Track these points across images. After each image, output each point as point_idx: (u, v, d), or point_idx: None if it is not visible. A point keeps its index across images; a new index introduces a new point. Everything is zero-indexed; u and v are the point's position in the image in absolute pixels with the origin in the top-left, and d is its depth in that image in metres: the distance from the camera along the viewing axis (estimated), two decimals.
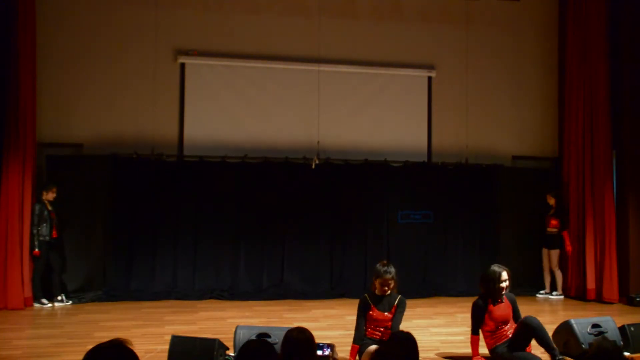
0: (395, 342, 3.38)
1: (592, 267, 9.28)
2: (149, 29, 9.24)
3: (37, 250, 8.18)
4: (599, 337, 4.02)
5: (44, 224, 8.27)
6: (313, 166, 9.09)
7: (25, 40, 8.23)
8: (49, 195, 8.39)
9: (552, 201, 9.74)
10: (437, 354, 6.01)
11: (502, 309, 5.58)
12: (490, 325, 5.57)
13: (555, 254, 9.64)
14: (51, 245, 8.36)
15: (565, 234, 9.60)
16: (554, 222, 9.66)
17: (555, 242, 9.63)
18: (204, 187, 9.23)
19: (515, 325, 5.58)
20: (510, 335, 5.52)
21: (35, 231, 8.20)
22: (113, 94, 9.21)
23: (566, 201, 9.71)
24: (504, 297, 5.61)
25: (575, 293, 9.47)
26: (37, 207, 8.26)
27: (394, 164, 9.80)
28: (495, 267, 5.61)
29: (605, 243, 9.19)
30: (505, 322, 5.60)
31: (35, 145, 8.44)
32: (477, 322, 5.58)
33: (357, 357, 5.40)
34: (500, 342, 5.53)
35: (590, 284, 9.26)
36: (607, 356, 3.77)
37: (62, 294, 8.46)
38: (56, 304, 8.35)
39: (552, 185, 10.04)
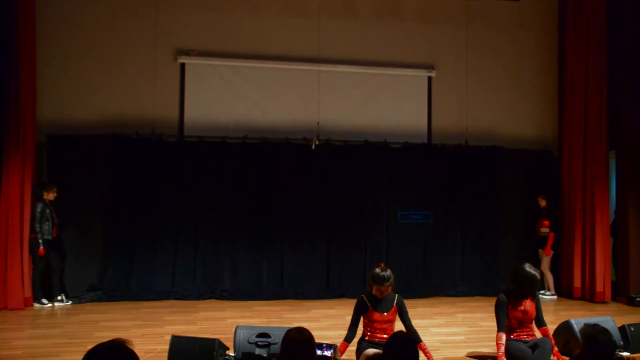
0: (395, 344, 3.38)
1: (578, 265, 9.37)
2: (149, 29, 9.25)
3: (42, 248, 8.18)
4: (592, 327, 3.95)
5: (47, 223, 8.27)
6: (313, 147, 9.06)
7: (25, 39, 8.22)
8: (50, 195, 8.39)
9: (543, 203, 9.78)
10: (468, 354, 6.06)
11: (525, 305, 5.60)
12: (511, 321, 5.58)
13: (545, 255, 9.67)
14: (51, 244, 8.36)
15: (551, 235, 9.62)
16: (546, 222, 9.70)
17: (547, 243, 9.66)
18: (203, 171, 9.21)
19: (538, 329, 5.67)
20: (527, 338, 5.56)
21: (38, 229, 8.20)
22: (113, 95, 9.20)
23: (568, 201, 9.71)
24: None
25: (579, 293, 9.45)
26: (39, 206, 8.25)
27: (394, 145, 9.81)
28: (531, 270, 5.59)
29: (604, 242, 9.19)
30: (528, 321, 5.61)
31: (35, 145, 8.44)
32: (502, 318, 5.55)
33: (355, 358, 5.41)
34: (517, 339, 5.54)
35: (578, 282, 9.36)
36: (600, 348, 3.75)
37: (62, 294, 8.47)
38: (56, 304, 8.35)
39: (547, 186, 10.05)
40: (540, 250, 9.77)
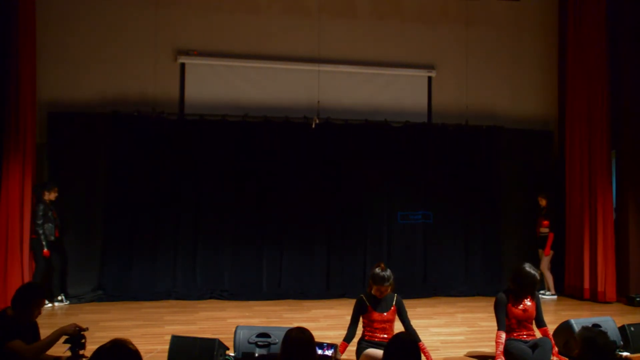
0: (396, 345, 3.39)
1: (587, 265, 9.32)
2: (149, 29, 9.25)
3: (46, 250, 8.17)
4: (589, 330, 3.96)
5: (48, 224, 8.26)
6: (313, 126, 9.04)
7: (25, 40, 8.20)
8: (51, 195, 8.37)
9: (543, 202, 9.78)
10: (467, 354, 6.06)
11: (525, 305, 5.63)
12: (511, 321, 5.60)
13: (545, 255, 9.67)
14: (53, 245, 8.34)
15: (551, 235, 9.62)
16: (545, 222, 9.70)
17: (546, 243, 9.65)
18: (204, 152, 9.23)
19: (538, 329, 5.69)
20: (527, 338, 5.58)
21: (41, 231, 8.18)
22: (112, 97, 9.19)
23: (568, 202, 9.70)
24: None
25: (589, 295, 9.38)
26: (41, 207, 8.22)
27: (395, 124, 9.79)
28: (531, 270, 5.60)
29: (607, 242, 9.17)
30: (528, 320, 5.63)
31: (35, 146, 8.43)
32: (502, 317, 5.57)
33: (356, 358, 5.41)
34: (517, 339, 5.56)
35: (585, 283, 9.30)
36: (599, 351, 3.75)
37: (62, 294, 8.47)
38: (56, 304, 8.35)
39: (546, 186, 10.04)
40: (540, 250, 9.77)
